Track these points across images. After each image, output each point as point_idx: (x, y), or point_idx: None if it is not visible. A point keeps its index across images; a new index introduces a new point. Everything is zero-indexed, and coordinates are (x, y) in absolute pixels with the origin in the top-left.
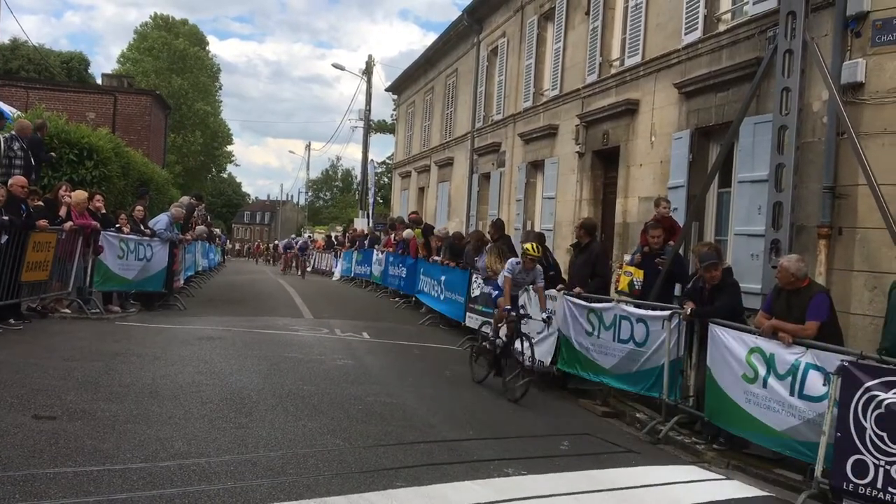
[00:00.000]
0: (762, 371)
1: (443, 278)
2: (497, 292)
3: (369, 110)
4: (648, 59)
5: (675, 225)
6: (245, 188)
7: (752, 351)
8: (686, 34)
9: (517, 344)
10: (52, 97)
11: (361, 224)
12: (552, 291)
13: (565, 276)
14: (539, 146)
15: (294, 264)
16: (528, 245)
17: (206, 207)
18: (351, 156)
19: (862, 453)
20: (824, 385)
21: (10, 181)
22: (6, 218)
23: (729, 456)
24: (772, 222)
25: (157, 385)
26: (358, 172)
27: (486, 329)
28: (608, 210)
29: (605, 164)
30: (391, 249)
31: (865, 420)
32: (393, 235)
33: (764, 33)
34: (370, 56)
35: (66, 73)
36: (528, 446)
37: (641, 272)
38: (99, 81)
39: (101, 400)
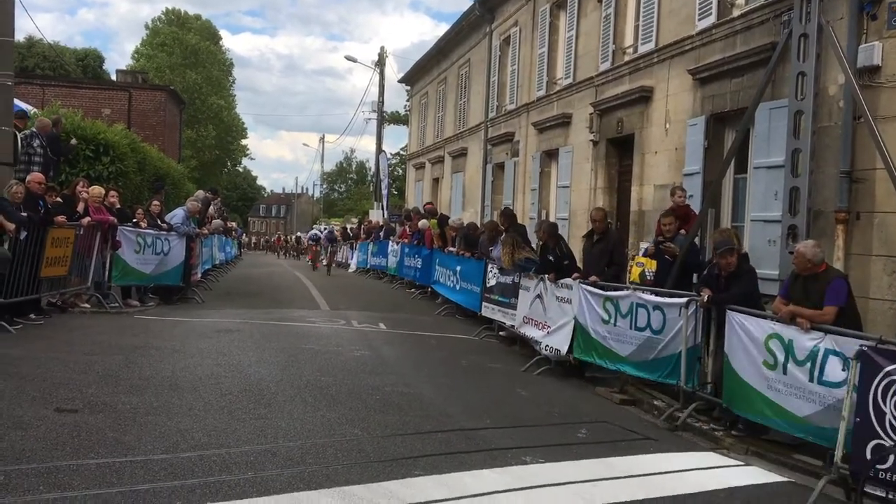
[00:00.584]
0: (781, 357)
1: (458, 268)
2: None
3: (382, 102)
4: (662, 46)
5: (690, 213)
6: (260, 182)
7: (770, 337)
8: (700, 20)
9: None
10: (67, 94)
11: (376, 216)
12: (568, 280)
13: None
14: (553, 135)
15: (322, 258)
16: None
17: (222, 201)
18: (365, 148)
19: (882, 438)
20: (843, 370)
21: (27, 178)
22: (25, 214)
23: (748, 442)
24: (788, 208)
25: (176, 377)
26: (372, 164)
27: (502, 319)
28: (623, 198)
29: (619, 152)
30: (406, 240)
31: (885, 405)
32: (408, 226)
33: (778, 17)
34: (382, 48)
35: (82, 69)
36: (545, 434)
37: (654, 262)
38: (114, 78)
39: (122, 393)
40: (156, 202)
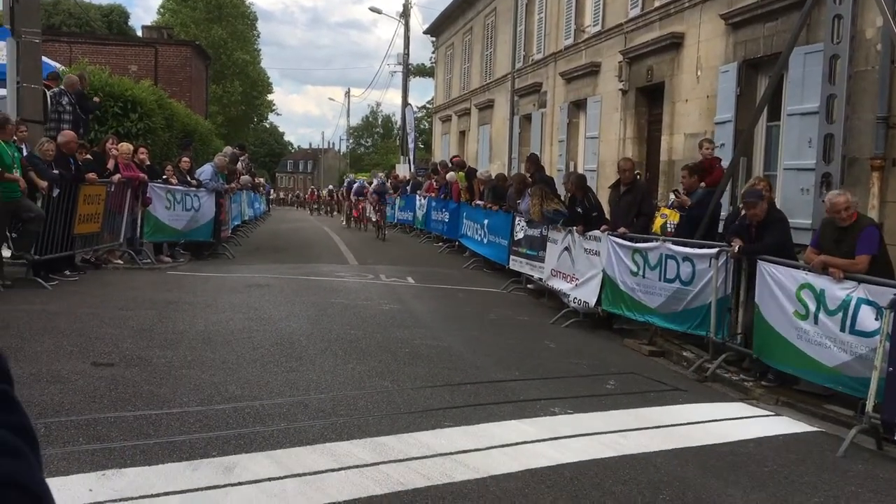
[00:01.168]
0: (812, 307)
1: (486, 222)
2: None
3: (408, 54)
4: None
5: (714, 166)
6: (287, 137)
7: (802, 287)
8: None
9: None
10: (94, 51)
11: (403, 170)
12: (596, 232)
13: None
14: (581, 85)
15: (370, 214)
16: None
17: (249, 157)
18: (391, 101)
19: None
20: (876, 320)
21: (59, 138)
22: (57, 172)
23: (778, 392)
24: (822, 155)
25: (209, 332)
26: (398, 118)
27: (530, 272)
28: (653, 148)
29: (649, 101)
30: (434, 194)
31: None
32: (434, 180)
33: None
34: None
35: (107, 26)
36: (573, 386)
37: (677, 214)
38: (139, 34)
39: (157, 347)
40: (185, 159)
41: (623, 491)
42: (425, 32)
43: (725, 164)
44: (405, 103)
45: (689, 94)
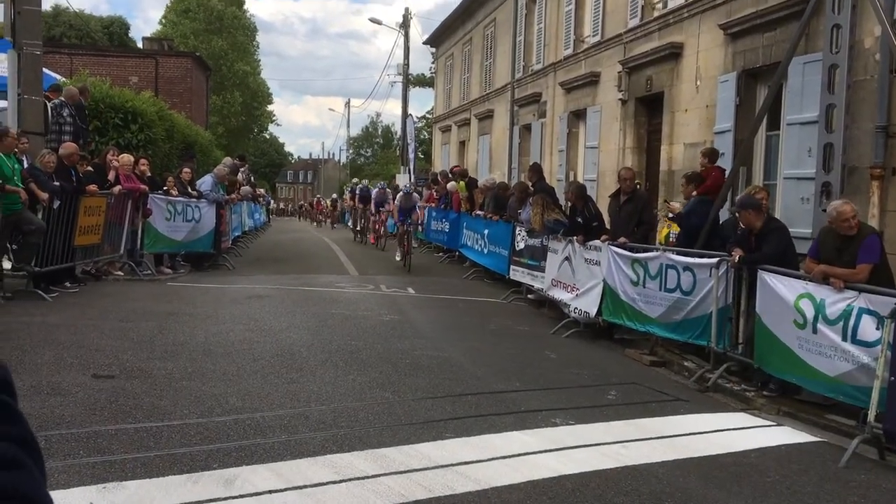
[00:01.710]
0: (810, 316)
1: (486, 232)
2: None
3: (407, 64)
4: (693, 0)
5: (709, 175)
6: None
7: (801, 297)
8: None
9: None
10: (94, 62)
11: (403, 180)
12: (596, 242)
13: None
14: (581, 95)
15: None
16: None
17: (250, 168)
18: (390, 111)
19: None
20: (878, 329)
21: (61, 150)
22: (57, 184)
23: (779, 402)
24: (822, 164)
25: (209, 343)
26: (398, 128)
27: (531, 282)
28: (652, 158)
29: (648, 111)
30: (433, 204)
31: None
32: (434, 190)
33: None
34: (407, 9)
35: (108, 37)
36: (575, 396)
37: (677, 225)
38: (140, 45)
39: (157, 358)
40: (186, 169)
41: (625, 502)
42: (425, 43)
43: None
44: (405, 113)
45: (689, 104)
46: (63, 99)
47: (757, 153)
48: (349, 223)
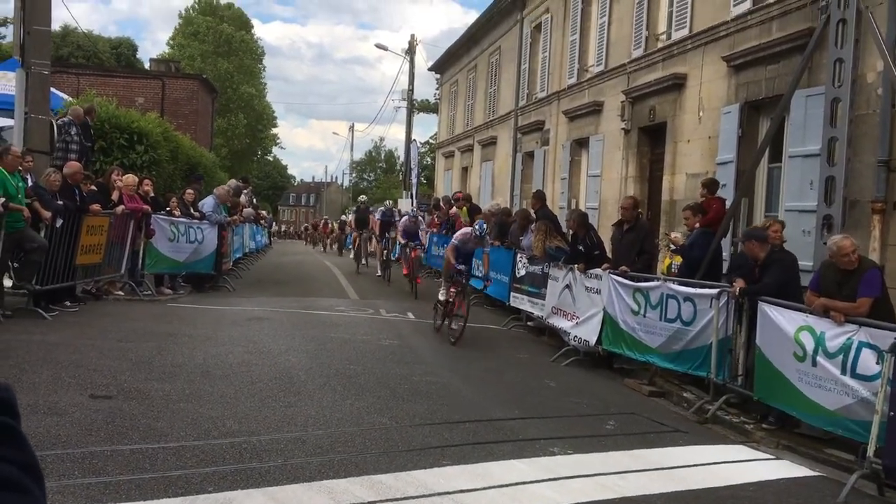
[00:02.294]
0: (810, 349)
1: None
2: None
3: (412, 90)
4: (696, 32)
5: (710, 207)
6: (290, 170)
7: (801, 329)
8: (735, 5)
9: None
10: (101, 83)
11: (405, 205)
12: (597, 270)
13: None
14: (584, 123)
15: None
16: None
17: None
18: (394, 136)
19: None
20: (877, 363)
21: (65, 168)
22: (61, 203)
23: (779, 436)
24: (824, 197)
25: (208, 365)
26: (401, 153)
27: (531, 309)
28: (654, 187)
29: (651, 141)
30: (435, 230)
31: None
32: (436, 215)
33: (816, 3)
34: (412, 35)
35: (115, 58)
36: (574, 426)
37: (680, 257)
38: (147, 66)
39: (155, 379)
40: (189, 191)
41: None
42: (430, 69)
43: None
44: (409, 138)
45: (691, 135)
46: (70, 118)
47: (759, 185)
48: (350, 248)
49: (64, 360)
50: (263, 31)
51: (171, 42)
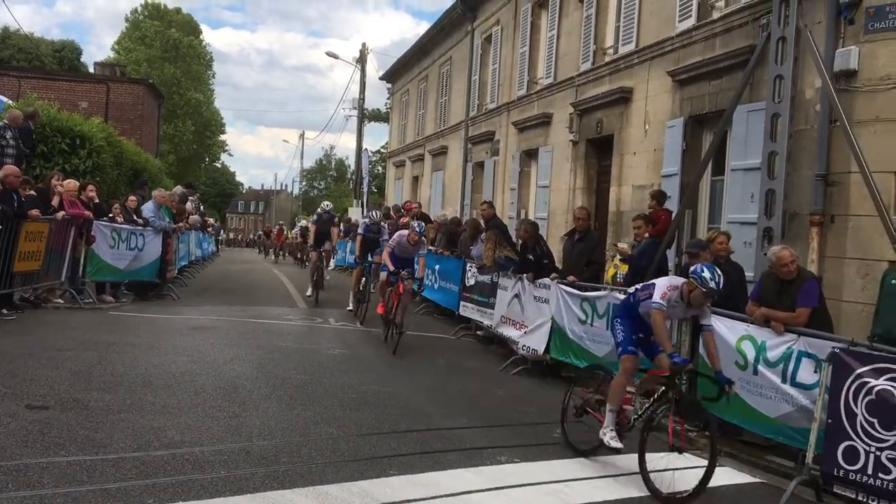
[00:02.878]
0: (751, 358)
1: (437, 267)
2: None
3: (363, 99)
4: (642, 47)
5: (659, 218)
6: (239, 177)
7: (742, 338)
8: (680, 21)
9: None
10: (43, 86)
11: (355, 213)
12: (546, 280)
13: (559, 265)
14: (533, 134)
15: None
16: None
17: (200, 197)
18: (345, 145)
19: (853, 440)
20: (816, 372)
21: (2, 171)
22: None
23: (721, 442)
24: (764, 210)
25: (150, 375)
26: (352, 161)
27: (480, 319)
28: (602, 198)
29: (598, 153)
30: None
31: (856, 406)
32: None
33: (757, 20)
34: (364, 44)
35: (58, 62)
36: (521, 434)
37: (626, 266)
38: (91, 70)
39: (95, 390)
40: (132, 197)
41: None
42: (381, 78)
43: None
44: (360, 147)
45: (638, 147)
46: (6, 121)
47: (702, 197)
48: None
49: None
50: (212, 37)
51: (117, 46)
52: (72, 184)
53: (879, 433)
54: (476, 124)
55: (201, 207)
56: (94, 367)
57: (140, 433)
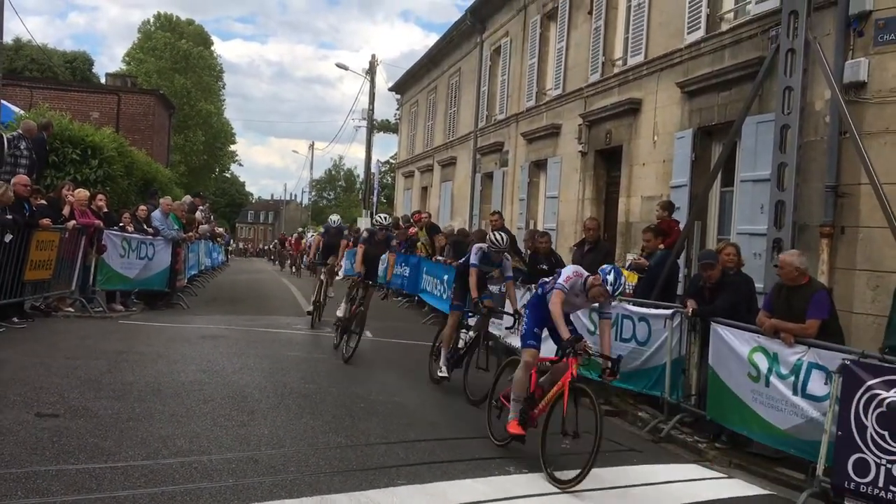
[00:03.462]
0: (764, 369)
1: (445, 277)
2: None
3: (372, 110)
4: (651, 59)
5: (672, 228)
6: (248, 188)
7: (754, 350)
8: (689, 33)
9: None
10: (55, 97)
11: (364, 224)
12: None
13: None
14: (542, 145)
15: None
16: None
17: (210, 207)
18: (354, 155)
19: (863, 452)
20: (826, 384)
21: (13, 180)
22: (10, 217)
23: (731, 455)
24: (774, 221)
25: (159, 383)
26: (360, 172)
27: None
28: (611, 209)
29: (607, 164)
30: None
31: (867, 419)
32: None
33: (766, 32)
34: (373, 55)
35: (70, 72)
36: (529, 445)
37: (635, 276)
38: (103, 81)
39: (104, 398)
40: (143, 207)
41: None
42: (390, 89)
43: (682, 225)
44: (369, 158)
45: (647, 158)
46: (21, 132)
47: (711, 208)
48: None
49: (9, 377)
50: (223, 49)
51: (128, 58)
52: (82, 193)
53: (890, 445)
54: (485, 135)
55: (212, 218)
56: (103, 375)
57: (149, 441)
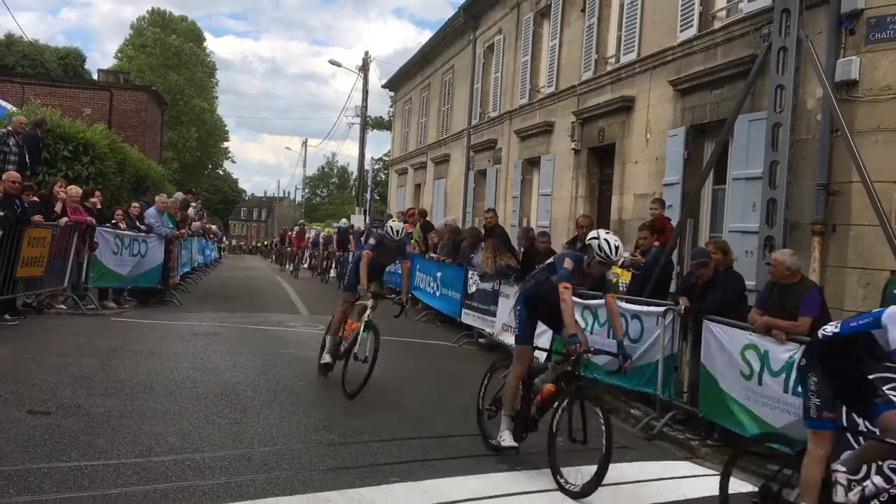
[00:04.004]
0: (757, 367)
1: (439, 275)
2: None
3: (366, 107)
4: (644, 56)
5: (666, 226)
6: (241, 185)
7: (746, 347)
8: (681, 31)
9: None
10: (47, 93)
11: (358, 221)
12: None
13: None
14: (535, 143)
15: None
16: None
17: (203, 203)
18: (347, 152)
19: (855, 449)
20: None
21: (2, 177)
22: (1, 213)
23: (723, 452)
24: (766, 219)
25: (152, 381)
26: (354, 169)
27: (482, 326)
28: (604, 207)
29: (600, 161)
30: None
31: (858, 416)
32: None
33: (758, 31)
34: (367, 52)
35: (62, 68)
36: (525, 444)
37: (629, 273)
38: (95, 77)
39: (96, 395)
40: (135, 204)
41: None
42: (384, 86)
43: (674, 223)
44: (362, 155)
45: (639, 156)
46: (10, 128)
47: (704, 206)
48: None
49: (1, 374)
50: (216, 45)
51: (120, 54)
52: (74, 190)
53: None
54: (478, 132)
55: (204, 214)
56: (95, 372)
57: (141, 439)
